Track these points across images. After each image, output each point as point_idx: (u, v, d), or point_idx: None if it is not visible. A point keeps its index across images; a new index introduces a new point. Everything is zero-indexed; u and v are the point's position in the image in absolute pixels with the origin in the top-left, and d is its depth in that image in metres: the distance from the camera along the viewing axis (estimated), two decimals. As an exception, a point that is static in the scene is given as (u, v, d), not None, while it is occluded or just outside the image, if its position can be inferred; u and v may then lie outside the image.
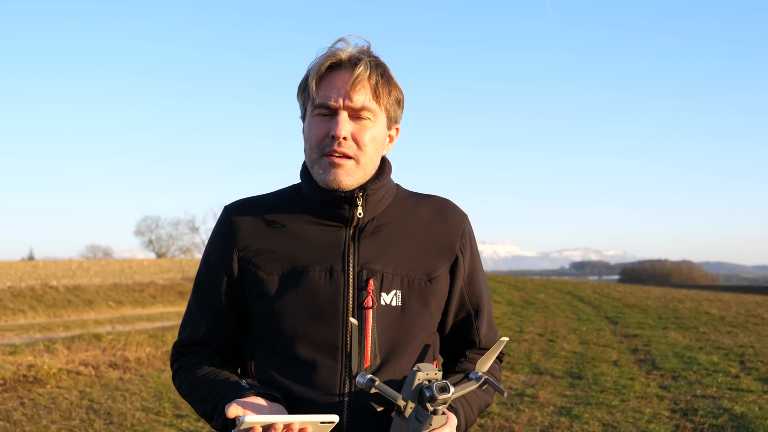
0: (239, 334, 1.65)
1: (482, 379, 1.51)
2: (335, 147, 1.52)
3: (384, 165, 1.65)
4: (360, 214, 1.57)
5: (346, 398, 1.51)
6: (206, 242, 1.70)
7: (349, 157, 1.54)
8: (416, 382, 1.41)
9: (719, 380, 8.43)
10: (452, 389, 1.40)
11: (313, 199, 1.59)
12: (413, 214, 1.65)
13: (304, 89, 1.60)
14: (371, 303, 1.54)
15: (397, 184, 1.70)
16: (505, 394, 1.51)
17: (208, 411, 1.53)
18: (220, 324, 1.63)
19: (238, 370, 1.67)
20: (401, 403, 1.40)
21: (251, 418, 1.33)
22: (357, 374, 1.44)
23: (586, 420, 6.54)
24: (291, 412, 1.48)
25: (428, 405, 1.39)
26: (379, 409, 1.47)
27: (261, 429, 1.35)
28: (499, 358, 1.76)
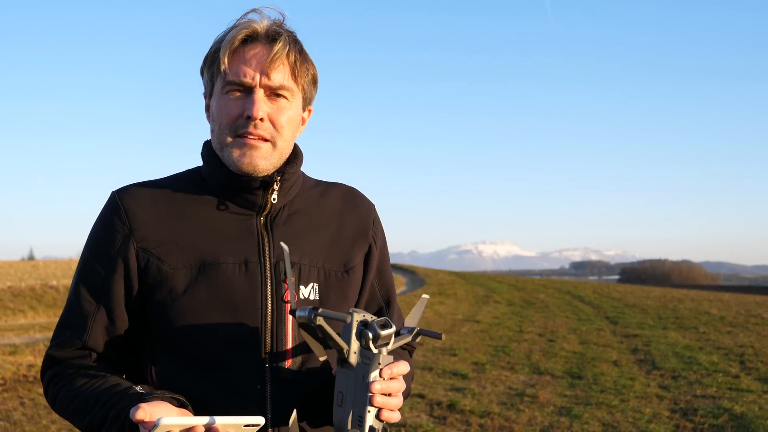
0: (131, 337, 1.45)
1: (414, 331, 1.40)
2: (251, 129, 1.40)
3: (296, 151, 1.52)
4: (275, 200, 1.45)
5: (267, 398, 1.39)
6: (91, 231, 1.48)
7: (265, 140, 1.42)
8: (355, 323, 1.30)
9: (719, 380, 8.43)
10: (393, 325, 1.30)
11: (221, 183, 1.45)
12: (322, 202, 1.55)
13: (212, 63, 1.44)
14: (291, 297, 1.39)
15: (302, 171, 1.57)
16: (443, 337, 1.41)
17: (95, 421, 1.30)
18: (110, 325, 1.42)
19: (123, 377, 1.45)
20: (344, 345, 1.29)
21: (169, 420, 1.17)
22: (295, 309, 1.30)
23: (586, 420, 6.54)
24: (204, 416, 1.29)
25: (371, 346, 1.29)
26: (322, 358, 1.33)
27: None
28: (410, 352, 1.66)
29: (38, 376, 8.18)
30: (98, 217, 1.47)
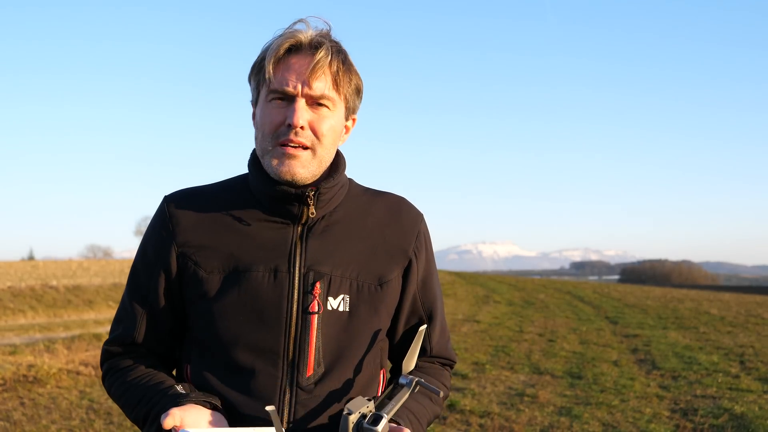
0: (175, 334, 1.54)
1: (413, 383, 1.41)
2: (291, 136, 1.41)
3: (338, 159, 1.55)
4: (312, 213, 1.46)
5: (285, 407, 1.42)
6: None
7: (305, 147, 1.44)
8: (350, 427, 1.31)
9: (719, 380, 8.42)
10: (384, 419, 1.32)
11: (261, 192, 1.48)
12: (366, 212, 1.55)
13: (258, 71, 1.46)
14: (317, 308, 1.44)
15: (350, 179, 1.60)
16: (441, 394, 1.43)
17: (140, 416, 1.42)
18: (155, 323, 1.51)
19: (174, 372, 1.57)
20: None
21: (190, 431, 1.26)
22: None
23: (586, 420, 6.53)
24: (229, 420, 1.39)
25: None
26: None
27: None
28: (450, 366, 1.68)
29: (38, 375, 8.18)
30: (150, 222, 1.56)
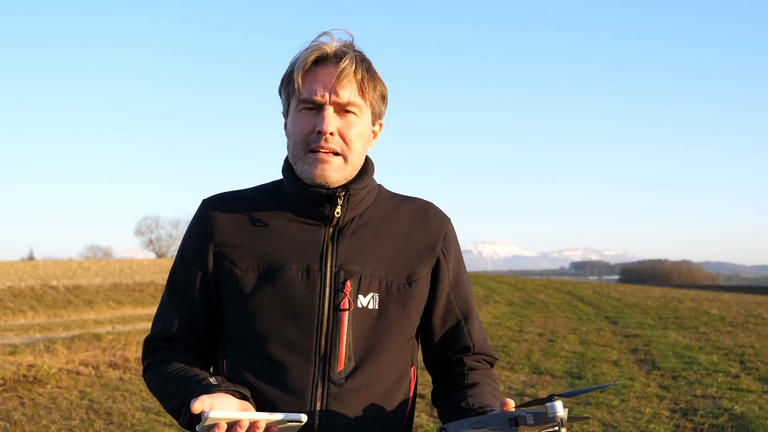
0: (212, 331, 1.61)
1: (563, 423, 1.30)
2: (322, 143, 1.49)
3: (367, 164, 1.62)
4: (338, 213, 1.53)
5: (317, 400, 1.48)
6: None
7: (336, 153, 1.51)
8: (560, 412, 1.26)
9: (719, 380, 8.42)
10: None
11: (295, 195, 1.55)
12: (394, 215, 1.61)
13: (288, 83, 1.55)
14: (347, 305, 1.50)
15: (379, 185, 1.67)
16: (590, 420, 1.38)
17: (175, 407, 1.49)
18: (193, 320, 1.59)
19: (211, 369, 1.63)
20: None
21: (216, 414, 1.30)
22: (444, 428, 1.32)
23: (586, 420, 6.54)
24: (260, 411, 1.44)
25: None
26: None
27: (225, 426, 1.31)
28: (492, 363, 1.70)
29: (38, 375, 8.19)
30: (188, 225, 1.64)
